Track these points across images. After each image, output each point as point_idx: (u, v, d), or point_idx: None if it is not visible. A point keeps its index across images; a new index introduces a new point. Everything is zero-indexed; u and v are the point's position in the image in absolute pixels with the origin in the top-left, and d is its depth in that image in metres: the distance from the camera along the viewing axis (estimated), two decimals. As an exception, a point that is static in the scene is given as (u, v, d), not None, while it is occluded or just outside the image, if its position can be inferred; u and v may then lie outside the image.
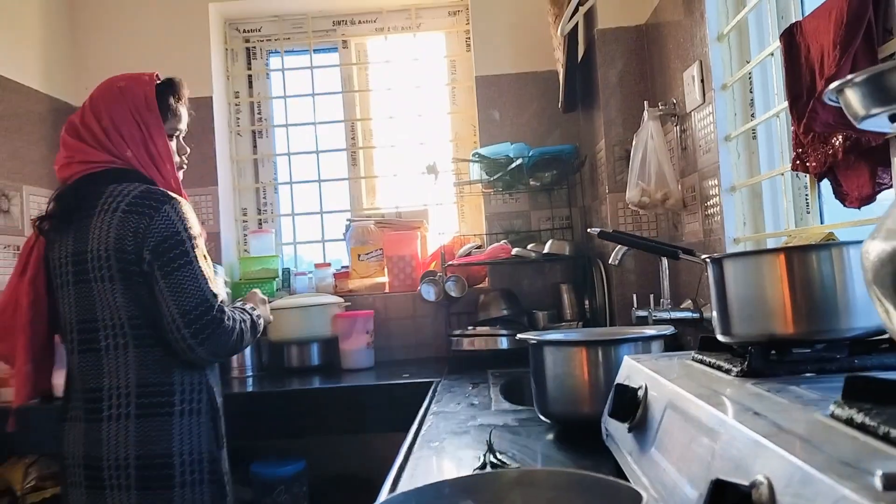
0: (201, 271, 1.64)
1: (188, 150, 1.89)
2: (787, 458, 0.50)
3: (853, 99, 0.52)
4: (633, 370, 1.02)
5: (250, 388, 2.40)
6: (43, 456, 2.37)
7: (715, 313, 0.93)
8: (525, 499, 0.72)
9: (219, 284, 1.73)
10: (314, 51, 3.30)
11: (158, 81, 1.80)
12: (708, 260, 0.94)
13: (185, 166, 1.89)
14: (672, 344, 1.74)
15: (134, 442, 1.60)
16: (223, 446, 1.75)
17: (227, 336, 1.64)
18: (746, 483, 0.53)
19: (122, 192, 1.65)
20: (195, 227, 1.68)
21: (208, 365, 1.73)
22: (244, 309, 1.80)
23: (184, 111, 1.85)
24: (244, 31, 3.29)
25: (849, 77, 0.51)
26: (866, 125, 0.54)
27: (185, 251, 1.62)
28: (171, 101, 1.81)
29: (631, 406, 0.93)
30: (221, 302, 1.67)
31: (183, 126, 1.86)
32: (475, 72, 3.00)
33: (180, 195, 1.77)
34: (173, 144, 1.82)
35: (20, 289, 1.72)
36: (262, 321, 1.86)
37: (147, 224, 1.61)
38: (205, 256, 1.69)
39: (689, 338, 2.03)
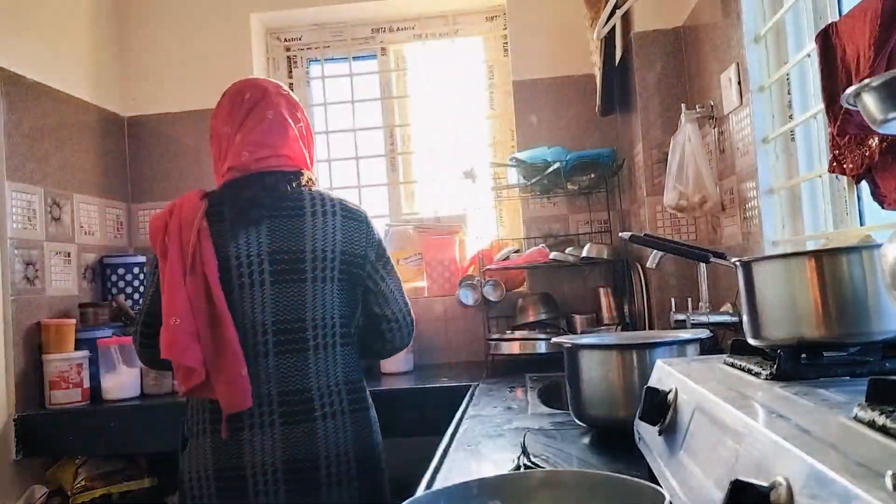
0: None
1: None
2: (806, 459, 0.51)
3: (870, 103, 0.52)
4: (664, 373, 1.02)
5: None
6: (93, 457, 2.45)
7: (745, 317, 0.93)
8: (552, 499, 0.73)
9: None
10: (353, 58, 3.34)
11: None
12: (738, 263, 0.94)
13: None
14: (712, 348, 1.74)
15: (352, 437, 1.63)
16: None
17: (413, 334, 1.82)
18: (766, 484, 0.53)
19: (325, 198, 1.70)
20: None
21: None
22: None
23: None
24: (285, 39, 3.35)
25: (865, 81, 0.51)
26: (886, 129, 0.54)
27: (390, 258, 1.80)
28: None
29: (661, 409, 0.93)
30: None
31: None
32: (512, 76, 3.01)
33: None
34: None
35: (193, 289, 1.54)
36: None
37: (367, 230, 1.72)
38: None
39: (729, 342, 2.01)
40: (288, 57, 3.37)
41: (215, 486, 1.56)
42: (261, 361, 1.58)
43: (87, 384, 2.45)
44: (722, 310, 1.94)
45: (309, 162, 1.77)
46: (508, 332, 2.61)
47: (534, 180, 2.76)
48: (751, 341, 0.94)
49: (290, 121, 1.73)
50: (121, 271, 2.83)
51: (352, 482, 1.61)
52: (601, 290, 2.72)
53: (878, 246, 0.78)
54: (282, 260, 1.61)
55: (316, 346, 1.62)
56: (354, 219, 1.71)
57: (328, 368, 1.63)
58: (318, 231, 1.64)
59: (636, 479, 0.69)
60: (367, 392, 1.75)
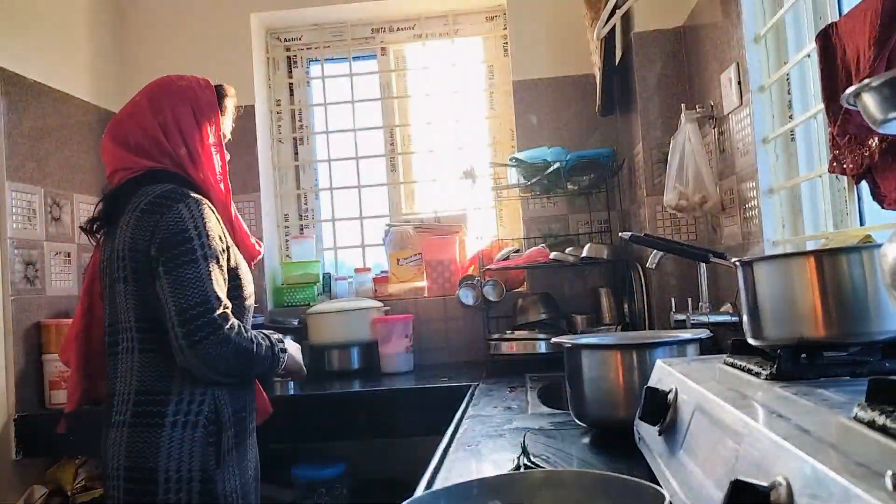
0: (209, 273, 1.54)
1: (229, 156, 1.86)
2: (806, 459, 0.51)
3: (870, 103, 0.52)
4: (664, 374, 1.02)
5: (292, 392, 2.44)
6: (92, 457, 2.44)
7: (745, 317, 0.93)
8: (552, 499, 0.73)
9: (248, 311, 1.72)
10: (353, 58, 3.34)
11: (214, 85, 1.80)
12: (738, 263, 0.94)
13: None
14: (712, 348, 1.73)
15: (125, 452, 1.53)
16: (225, 466, 1.58)
17: (223, 346, 1.51)
18: (766, 484, 0.53)
19: (147, 192, 1.60)
20: (214, 230, 1.60)
21: (205, 375, 1.54)
22: (268, 335, 1.68)
23: (230, 118, 1.85)
24: (285, 40, 3.35)
25: (865, 81, 0.51)
26: (886, 129, 0.54)
27: (191, 249, 1.53)
28: (227, 104, 1.81)
29: (661, 409, 0.93)
30: (226, 309, 1.55)
31: (229, 132, 1.85)
32: (513, 76, 3.01)
33: (223, 198, 1.74)
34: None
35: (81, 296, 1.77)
36: (284, 357, 1.71)
37: (157, 221, 1.54)
38: (220, 263, 1.60)
39: (729, 342, 2.01)
40: (288, 57, 3.37)
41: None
42: (107, 362, 1.66)
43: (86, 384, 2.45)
44: (722, 310, 1.94)
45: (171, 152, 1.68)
46: (508, 332, 2.61)
47: (534, 180, 2.75)
48: (751, 341, 0.94)
49: (152, 114, 1.68)
50: (121, 271, 2.82)
51: (119, 502, 1.54)
52: (601, 290, 2.72)
53: (878, 246, 0.78)
54: (109, 264, 1.63)
55: (122, 350, 1.58)
56: (151, 212, 1.56)
57: (126, 374, 1.57)
58: (120, 231, 1.59)
59: (636, 479, 0.69)
60: (176, 406, 1.54)
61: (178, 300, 1.50)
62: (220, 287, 1.56)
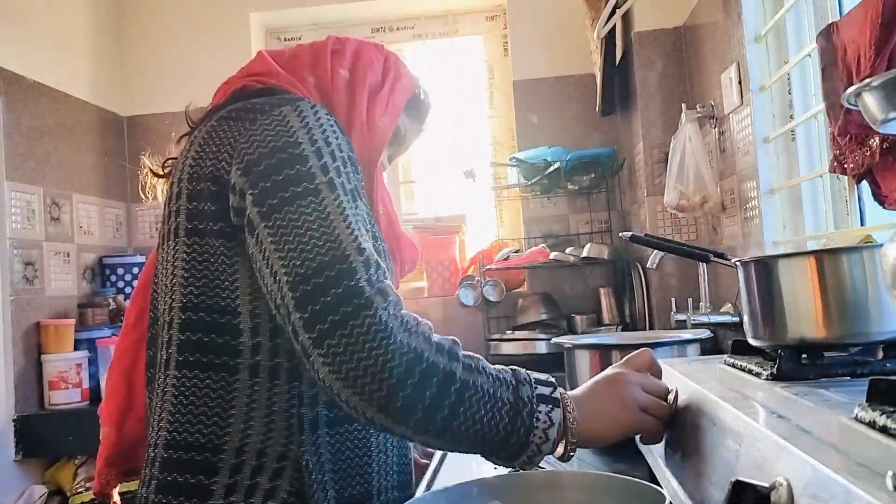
0: (341, 211, 0.84)
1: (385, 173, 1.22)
2: (806, 459, 0.51)
3: (871, 103, 0.52)
4: (665, 374, 1.02)
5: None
6: (92, 457, 2.44)
7: (746, 317, 0.93)
8: (552, 500, 0.73)
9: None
10: (353, 58, 3.33)
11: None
12: (738, 263, 0.94)
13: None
14: (712, 348, 1.73)
15: None
16: None
17: (378, 344, 0.77)
18: (766, 484, 0.53)
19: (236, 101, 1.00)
20: (344, 147, 0.92)
21: (371, 418, 0.79)
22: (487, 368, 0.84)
23: (414, 135, 1.25)
24: (285, 39, 3.35)
25: (866, 81, 0.51)
26: (886, 129, 0.54)
27: (306, 173, 0.85)
28: (427, 104, 1.25)
29: (661, 409, 0.93)
30: (379, 271, 0.83)
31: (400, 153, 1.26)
32: (513, 76, 3.01)
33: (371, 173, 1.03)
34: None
35: None
36: (549, 417, 0.81)
37: (240, 131, 0.91)
38: (359, 196, 0.91)
39: (730, 342, 2.01)
40: (288, 57, 3.36)
41: None
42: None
43: (86, 384, 2.45)
44: (722, 310, 1.93)
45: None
46: (508, 332, 2.61)
47: (534, 180, 2.75)
48: (751, 341, 0.93)
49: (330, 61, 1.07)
50: (120, 271, 2.83)
51: None
52: (601, 291, 2.72)
53: (879, 246, 0.78)
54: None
55: (154, 363, 0.96)
56: (230, 122, 0.94)
57: (154, 410, 0.94)
58: (181, 158, 1.00)
59: (636, 480, 0.68)
60: (225, 475, 0.86)
61: (289, 262, 0.81)
62: (364, 236, 0.85)
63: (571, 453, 0.81)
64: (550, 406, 0.81)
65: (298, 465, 0.86)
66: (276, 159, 0.86)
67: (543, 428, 0.79)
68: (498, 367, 0.85)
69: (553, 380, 0.85)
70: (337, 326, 0.77)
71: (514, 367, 0.86)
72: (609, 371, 0.92)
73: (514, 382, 0.82)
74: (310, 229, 0.82)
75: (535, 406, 0.80)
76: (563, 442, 0.81)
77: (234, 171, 0.88)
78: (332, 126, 0.92)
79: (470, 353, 0.86)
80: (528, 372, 0.85)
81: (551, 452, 0.80)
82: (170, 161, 1.10)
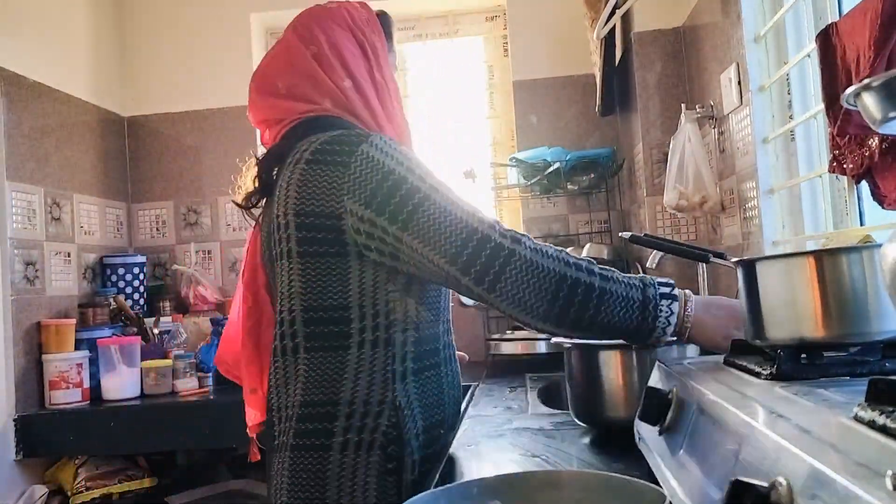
0: (449, 201, 1.13)
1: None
2: (806, 459, 0.51)
3: (870, 103, 0.52)
4: (665, 373, 1.02)
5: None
6: (92, 457, 2.45)
7: (746, 317, 0.93)
8: (552, 500, 0.73)
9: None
10: (353, 58, 3.33)
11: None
12: (738, 263, 0.94)
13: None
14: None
15: (287, 485, 1.17)
16: None
17: (532, 276, 1.08)
18: (766, 484, 0.53)
19: (311, 141, 1.22)
20: (414, 159, 1.19)
21: (543, 328, 1.13)
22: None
23: (395, 53, 1.46)
24: (285, 40, 3.35)
25: (865, 81, 0.51)
26: (886, 129, 0.54)
27: (413, 189, 1.13)
28: (391, 29, 1.43)
29: (661, 409, 0.93)
30: (501, 226, 1.13)
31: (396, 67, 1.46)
32: (513, 76, 3.01)
33: (405, 141, 1.34)
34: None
35: (238, 295, 1.41)
36: (666, 307, 1.13)
37: (342, 173, 1.15)
38: (450, 188, 1.18)
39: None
40: (288, 57, 3.36)
41: None
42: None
43: (87, 384, 2.45)
44: (722, 310, 1.93)
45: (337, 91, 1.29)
46: (508, 332, 2.61)
47: (534, 180, 2.75)
48: (751, 341, 0.94)
49: (303, 46, 1.34)
50: (121, 271, 2.83)
51: None
52: (601, 290, 2.72)
53: (878, 246, 0.78)
54: (266, 240, 1.30)
55: (282, 351, 1.22)
56: (323, 163, 1.17)
57: (287, 383, 1.21)
58: (279, 193, 1.22)
59: (636, 480, 0.69)
60: (345, 422, 1.15)
61: (440, 249, 1.10)
62: (473, 206, 1.15)
63: (688, 335, 1.15)
64: (670, 300, 1.13)
65: (394, 406, 1.17)
66: (386, 188, 1.13)
67: (665, 316, 1.12)
68: (628, 274, 1.14)
69: (672, 282, 1.16)
70: (500, 274, 1.08)
71: (642, 275, 1.16)
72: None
73: (641, 286, 1.12)
74: (440, 222, 1.10)
75: (658, 301, 1.12)
76: (681, 327, 1.14)
77: (352, 204, 1.14)
78: (396, 147, 1.19)
79: (604, 266, 1.13)
80: (652, 277, 1.16)
81: (673, 336, 1.14)
82: (253, 197, 1.35)
